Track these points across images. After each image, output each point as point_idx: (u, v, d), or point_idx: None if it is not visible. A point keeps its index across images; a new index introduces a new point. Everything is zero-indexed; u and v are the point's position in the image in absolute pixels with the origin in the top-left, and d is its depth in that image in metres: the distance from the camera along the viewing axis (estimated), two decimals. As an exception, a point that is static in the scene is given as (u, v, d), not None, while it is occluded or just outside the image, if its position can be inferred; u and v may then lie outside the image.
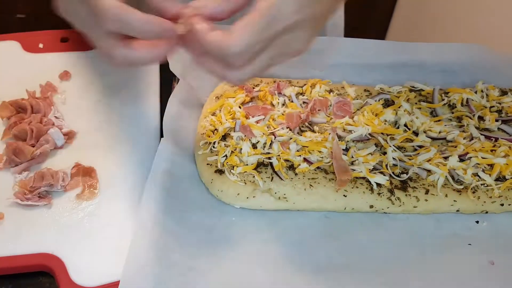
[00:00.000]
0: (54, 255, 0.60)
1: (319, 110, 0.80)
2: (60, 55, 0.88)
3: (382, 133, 0.77)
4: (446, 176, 0.69)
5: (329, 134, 0.72)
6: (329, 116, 0.80)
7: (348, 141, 0.75)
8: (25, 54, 0.86)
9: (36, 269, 0.61)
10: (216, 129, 0.72)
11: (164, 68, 0.85)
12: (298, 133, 0.75)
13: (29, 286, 0.61)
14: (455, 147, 0.74)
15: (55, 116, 0.76)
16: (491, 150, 0.74)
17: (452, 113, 0.82)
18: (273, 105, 0.80)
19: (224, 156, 0.68)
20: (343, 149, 0.73)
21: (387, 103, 0.83)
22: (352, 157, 0.72)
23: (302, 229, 0.65)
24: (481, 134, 0.77)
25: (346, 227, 0.66)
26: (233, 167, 0.67)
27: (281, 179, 0.66)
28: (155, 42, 0.51)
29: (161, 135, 0.71)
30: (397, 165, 0.70)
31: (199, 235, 0.62)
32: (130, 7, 0.48)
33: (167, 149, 0.68)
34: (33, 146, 0.71)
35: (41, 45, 0.89)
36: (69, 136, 0.73)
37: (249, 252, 0.61)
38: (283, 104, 0.81)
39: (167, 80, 0.88)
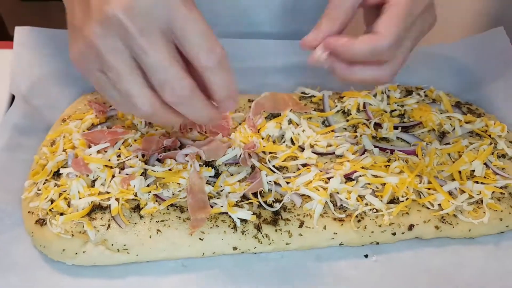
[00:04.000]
0: None
1: (190, 128, 0.68)
2: None
3: (263, 152, 0.65)
4: (326, 203, 0.58)
5: (188, 161, 0.60)
6: (204, 135, 0.67)
7: (219, 165, 0.63)
8: None
9: None
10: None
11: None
12: (158, 159, 0.62)
13: None
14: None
15: None
16: (386, 166, 0.63)
17: (347, 121, 0.71)
18: (135, 125, 0.67)
19: (49, 201, 0.54)
20: (211, 176, 0.60)
21: (273, 115, 0.71)
22: (221, 186, 0.59)
23: (151, 285, 0.53)
24: (375, 146, 0.66)
25: (207, 277, 0.54)
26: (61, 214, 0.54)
27: (120, 226, 0.53)
28: None
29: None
30: (271, 191, 0.59)
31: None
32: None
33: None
34: None
35: None
36: None
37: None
38: (149, 124, 0.68)
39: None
